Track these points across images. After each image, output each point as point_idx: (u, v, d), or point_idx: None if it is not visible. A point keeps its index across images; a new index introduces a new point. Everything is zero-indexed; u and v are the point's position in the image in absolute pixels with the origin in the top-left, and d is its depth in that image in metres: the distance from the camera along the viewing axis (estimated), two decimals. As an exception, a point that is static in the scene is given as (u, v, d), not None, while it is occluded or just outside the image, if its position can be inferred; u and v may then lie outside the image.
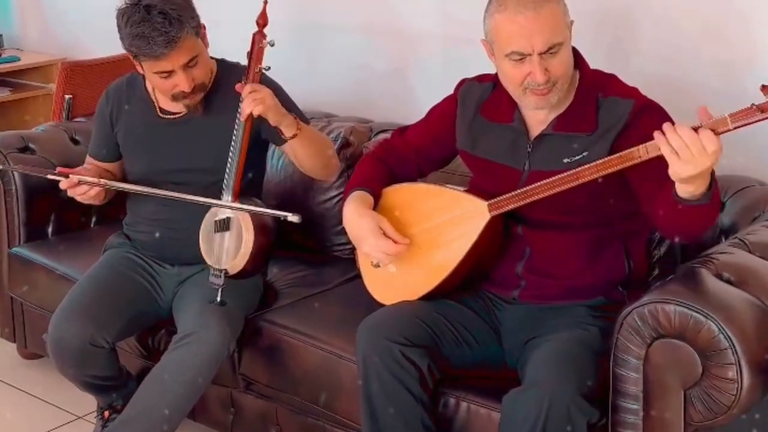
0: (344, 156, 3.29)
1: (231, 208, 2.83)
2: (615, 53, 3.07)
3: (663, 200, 2.25)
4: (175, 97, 2.90)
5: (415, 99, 3.50)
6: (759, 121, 2.06)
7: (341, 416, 2.78)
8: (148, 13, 2.76)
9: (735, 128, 2.08)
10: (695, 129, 2.09)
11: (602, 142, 2.41)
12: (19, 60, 4.91)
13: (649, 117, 2.38)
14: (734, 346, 2.12)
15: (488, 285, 2.63)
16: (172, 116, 3.01)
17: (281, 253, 3.09)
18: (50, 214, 3.60)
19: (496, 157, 2.56)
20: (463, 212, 2.54)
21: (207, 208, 2.88)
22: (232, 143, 2.84)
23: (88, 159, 3.18)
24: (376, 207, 2.67)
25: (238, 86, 2.77)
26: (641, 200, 2.40)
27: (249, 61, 2.81)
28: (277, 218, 2.84)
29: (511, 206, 2.45)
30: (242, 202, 2.84)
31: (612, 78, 2.53)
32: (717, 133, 2.08)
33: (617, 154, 2.27)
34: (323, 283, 3.18)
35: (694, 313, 2.15)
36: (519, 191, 2.42)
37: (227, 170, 2.84)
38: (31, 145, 3.59)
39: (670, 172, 2.13)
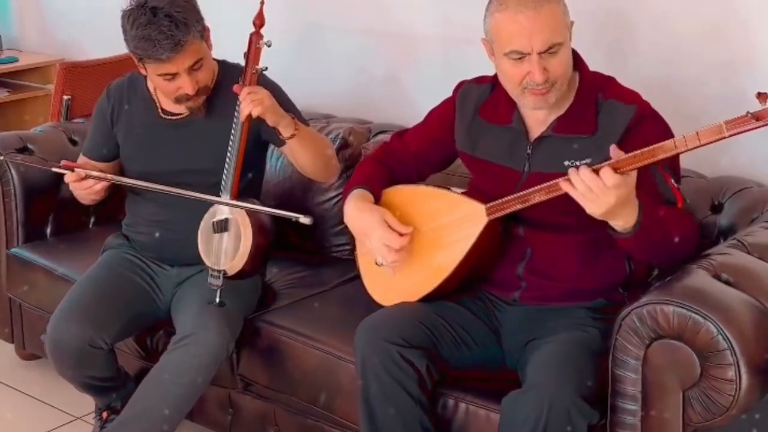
0: (343, 157, 3.29)
1: (244, 208, 2.81)
2: (614, 55, 3.07)
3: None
4: (178, 100, 2.90)
5: (413, 101, 3.50)
6: (754, 129, 2.08)
7: (340, 417, 2.78)
8: (154, 16, 2.75)
9: (730, 136, 2.10)
10: (596, 171, 2.18)
11: (605, 148, 2.40)
12: (17, 61, 4.90)
13: (649, 126, 2.40)
14: (733, 347, 2.12)
15: (488, 286, 2.63)
16: (173, 117, 3.00)
17: (280, 253, 3.10)
18: (49, 215, 3.60)
19: (496, 158, 2.56)
20: (461, 215, 2.54)
21: (207, 209, 2.87)
22: (230, 144, 2.83)
23: (82, 158, 3.14)
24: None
25: (235, 87, 2.77)
26: None
27: (246, 62, 2.80)
28: (276, 219, 2.84)
29: (508, 210, 2.45)
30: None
31: (611, 80, 2.53)
32: (619, 171, 2.16)
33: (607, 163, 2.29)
34: (322, 283, 3.18)
35: (693, 314, 2.16)
36: (516, 195, 2.42)
37: (225, 171, 2.83)
38: (30, 146, 3.58)
39: (588, 212, 2.22)
